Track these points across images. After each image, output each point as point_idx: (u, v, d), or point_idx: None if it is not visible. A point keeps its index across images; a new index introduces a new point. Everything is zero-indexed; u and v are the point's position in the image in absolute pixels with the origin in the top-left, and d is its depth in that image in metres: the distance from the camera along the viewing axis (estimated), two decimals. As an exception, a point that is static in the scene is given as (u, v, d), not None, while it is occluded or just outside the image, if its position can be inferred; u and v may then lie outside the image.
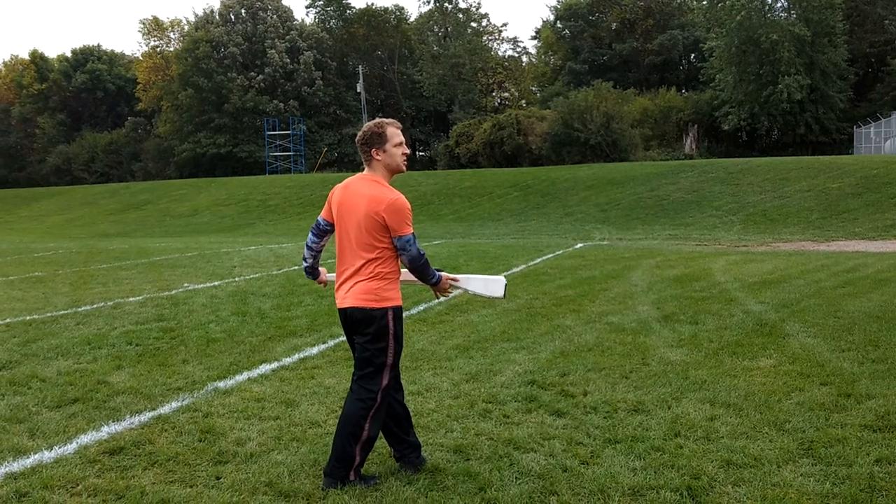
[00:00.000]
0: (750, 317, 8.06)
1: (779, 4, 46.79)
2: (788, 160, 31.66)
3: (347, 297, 3.85)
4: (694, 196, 26.93)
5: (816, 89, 44.30)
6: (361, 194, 3.83)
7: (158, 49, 65.80)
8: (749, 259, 14.21)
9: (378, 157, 3.88)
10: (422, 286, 4.12)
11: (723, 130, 47.24)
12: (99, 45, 69.77)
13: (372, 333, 3.80)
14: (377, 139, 3.87)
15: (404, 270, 4.05)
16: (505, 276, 4.52)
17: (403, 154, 3.93)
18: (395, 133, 3.90)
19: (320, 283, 4.32)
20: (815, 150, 43.38)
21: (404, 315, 8.30)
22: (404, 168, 3.96)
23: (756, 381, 5.54)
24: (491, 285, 4.15)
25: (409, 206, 3.81)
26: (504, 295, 4.15)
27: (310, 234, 4.15)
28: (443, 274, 3.99)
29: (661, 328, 7.60)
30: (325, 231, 4.09)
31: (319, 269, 4.28)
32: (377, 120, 3.95)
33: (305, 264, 4.25)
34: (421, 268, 3.86)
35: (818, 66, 44.16)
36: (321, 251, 4.20)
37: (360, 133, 3.94)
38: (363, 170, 4.00)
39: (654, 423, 4.67)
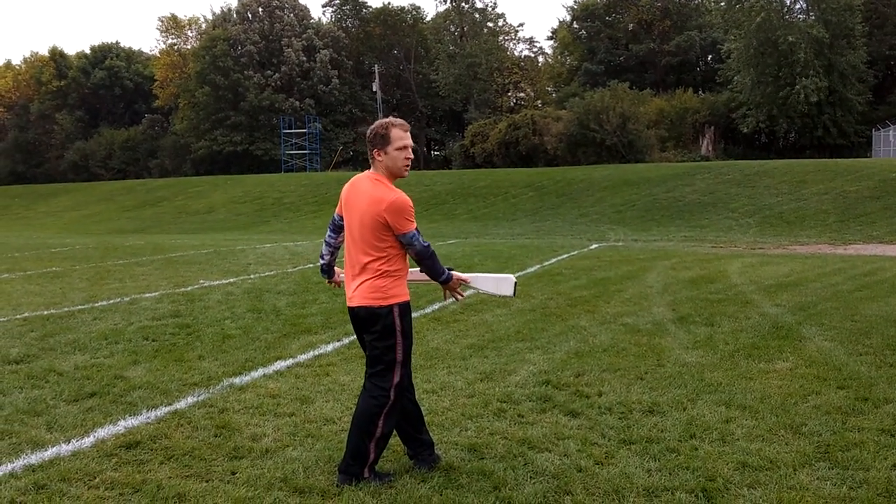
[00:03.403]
0: (766, 319, 8.01)
1: (797, 6, 46.47)
2: (806, 163, 31.42)
3: (355, 297, 3.85)
4: (710, 198, 26.76)
5: (835, 91, 43.90)
6: (365, 193, 3.81)
7: (176, 47, 66.31)
8: (765, 261, 14.11)
9: (380, 158, 3.82)
10: (433, 286, 4.12)
11: (740, 132, 46.95)
12: (117, 43, 70.48)
13: (379, 331, 3.80)
14: (380, 140, 3.80)
15: (413, 269, 4.05)
16: (517, 276, 4.52)
17: (406, 158, 3.83)
18: (399, 136, 3.80)
19: (334, 283, 4.31)
20: (833, 153, 43.02)
21: (419, 313, 8.39)
22: (405, 173, 3.86)
23: (772, 384, 5.51)
24: (501, 284, 4.16)
25: (409, 203, 3.76)
26: (514, 293, 4.16)
27: (328, 230, 4.17)
28: (453, 273, 3.99)
29: (676, 330, 7.57)
30: (340, 227, 4.09)
31: (335, 268, 4.27)
32: (386, 119, 3.87)
33: (322, 261, 4.25)
34: (429, 261, 3.85)
35: (836, 69, 43.76)
36: (339, 247, 4.20)
37: (369, 129, 3.89)
38: None
39: (669, 424, 4.65)
